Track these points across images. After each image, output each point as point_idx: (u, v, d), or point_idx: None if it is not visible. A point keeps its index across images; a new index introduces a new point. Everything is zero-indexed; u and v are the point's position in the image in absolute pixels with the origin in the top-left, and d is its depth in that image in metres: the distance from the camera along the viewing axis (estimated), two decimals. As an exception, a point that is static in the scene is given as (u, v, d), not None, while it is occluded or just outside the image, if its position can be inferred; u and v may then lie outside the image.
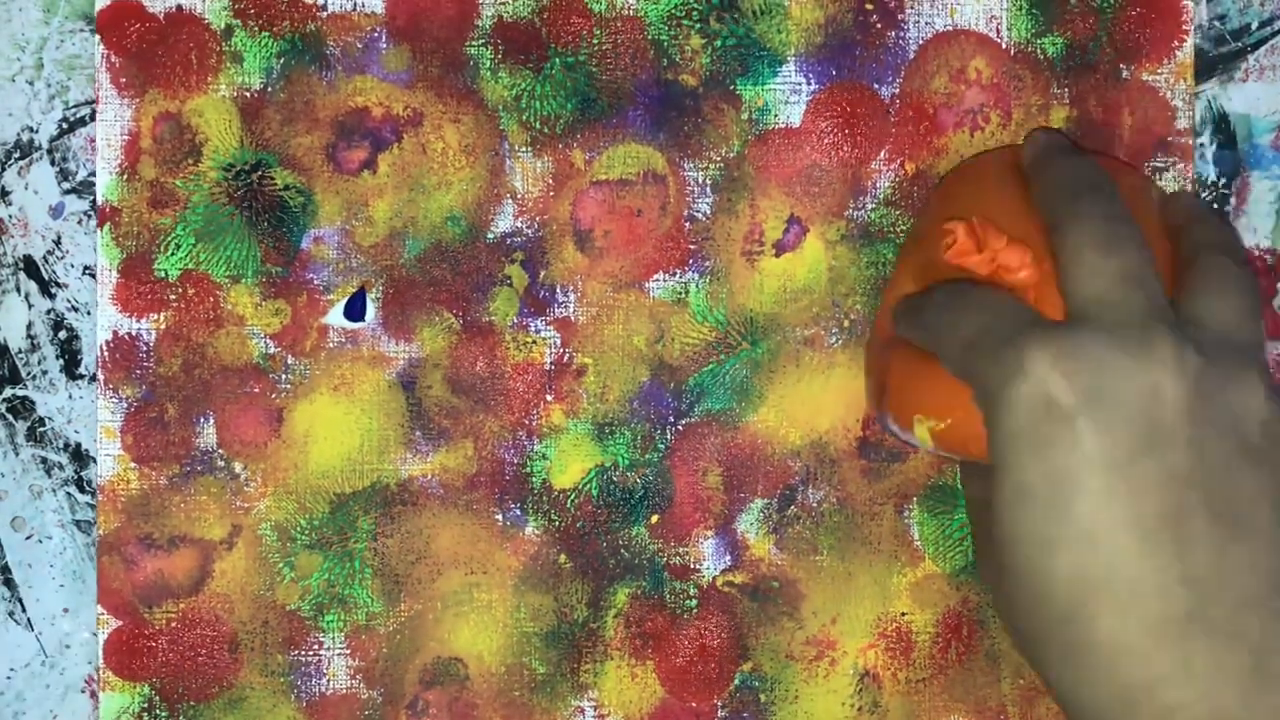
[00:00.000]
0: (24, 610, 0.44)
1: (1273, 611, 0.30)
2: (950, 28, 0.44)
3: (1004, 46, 0.44)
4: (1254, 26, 0.45)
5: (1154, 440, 0.31)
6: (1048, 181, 0.37)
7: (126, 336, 0.44)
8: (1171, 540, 0.30)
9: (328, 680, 0.44)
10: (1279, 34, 0.45)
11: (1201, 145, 0.45)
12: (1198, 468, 0.31)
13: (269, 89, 0.44)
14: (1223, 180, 0.45)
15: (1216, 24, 0.45)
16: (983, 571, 0.40)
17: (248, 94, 0.44)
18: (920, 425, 0.38)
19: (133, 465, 0.44)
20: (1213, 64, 0.45)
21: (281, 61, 0.44)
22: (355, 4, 0.44)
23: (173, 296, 0.44)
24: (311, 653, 0.44)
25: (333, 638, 0.44)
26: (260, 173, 0.44)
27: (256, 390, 0.44)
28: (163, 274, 0.44)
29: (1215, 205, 0.45)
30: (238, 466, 0.44)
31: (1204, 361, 0.31)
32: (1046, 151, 0.39)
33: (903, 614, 0.44)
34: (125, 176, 0.44)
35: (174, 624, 0.44)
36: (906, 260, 0.42)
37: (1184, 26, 0.44)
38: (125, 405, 0.44)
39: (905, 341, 0.39)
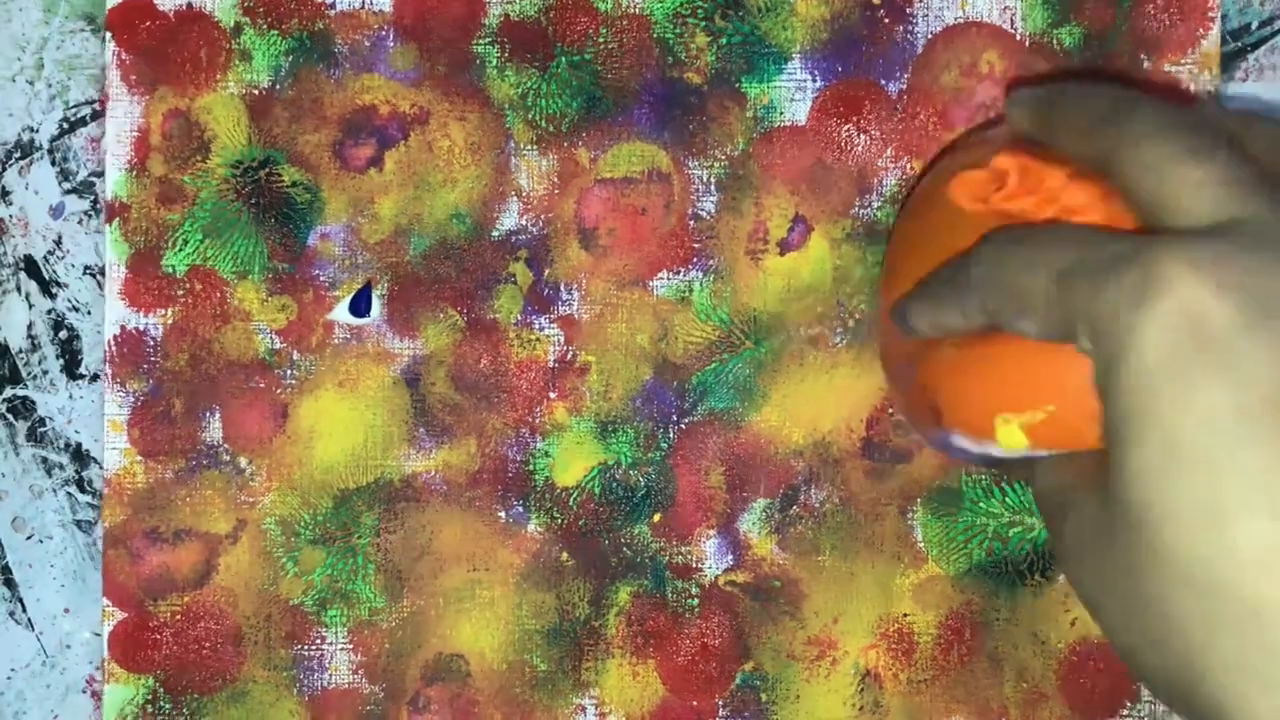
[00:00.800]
0: (24, 610, 0.45)
1: None
2: (961, 19, 0.44)
3: (1018, 38, 0.44)
4: (1254, 26, 0.44)
5: None
6: (1082, 117, 0.31)
7: (134, 331, 0.44)
8: None
9: (330, 675, 0.44)
10: (1279, 34, 0.44)
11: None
12: None
13: (277, 86, 0.44)
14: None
15: (1225, 22, 0.45)
16: (1075, 577, 0.30)
17: (256, 91, 0.44)
18: (1008, 426, 0.31)
19: (139, 459, 0.44)
20: (1221, 63, 0.44)
21: (290, 59, 0.44)
22: (363, 2, 0.44)
23: (180, 292, 0.44)
24: (314, 647, 0.44)
25: (335, 633, 0.44)
26: (268, 169, 0.44)
27: (262, 385, 0.44)
28: (170, 269, 0.44)
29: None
30: (243, 461, 0.44)
31: None
32: (1050, 96, 0.34)
33: (905, 615, 0.44)
34: (134, 173, 0.44)
35: (178, 617, 0.44)
36: (904, 258, 0.37)
37: (1209, 15, 0.44)
38: (132, 399, 0.44)
39: (936, 343, 0.34)
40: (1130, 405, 0.25)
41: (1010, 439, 0.32)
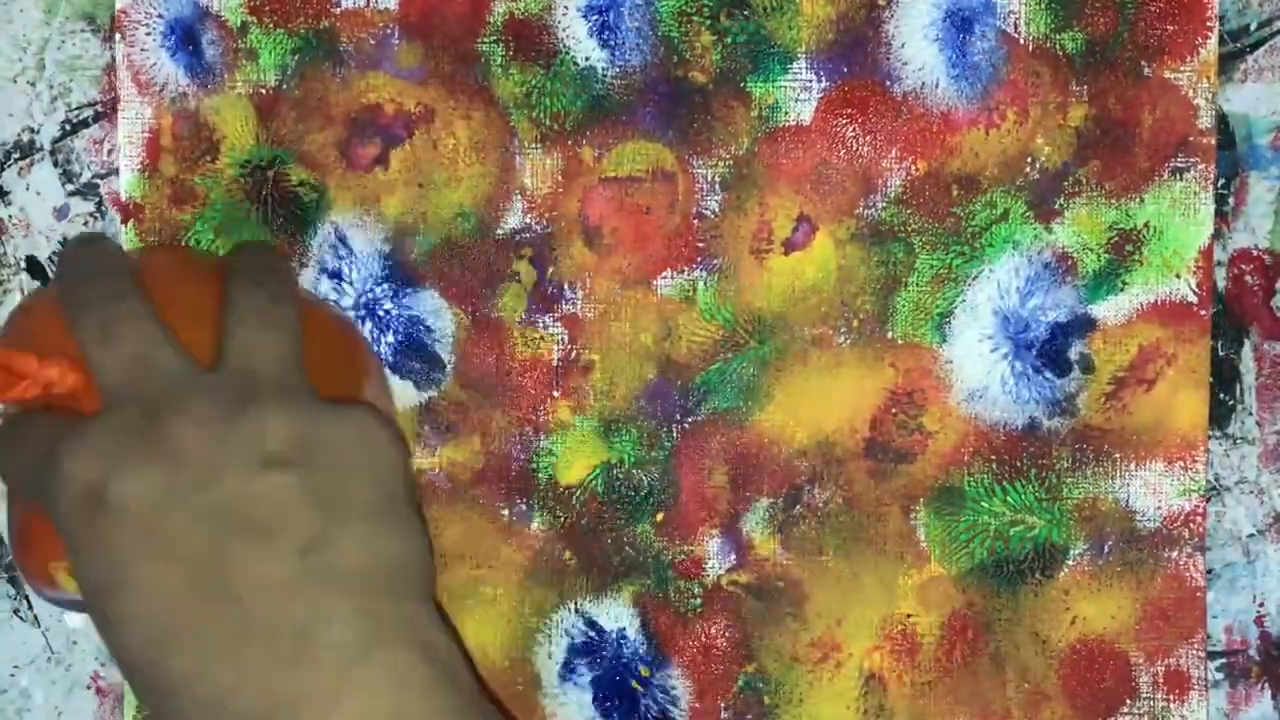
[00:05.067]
0: (30, 607, 0.45)
1: (294, 615, 0.33)
2: (966, 24, 0.44)
3: (1022, 42, 0.44)
4: (1253, 27, 0.44)
5: (178, 489, 0.33)
6: (64, 273, 0.39)
7: (143, 329, 0.44)
8: (213, 573, 0.33)
9: (336, 670, 0.45)
10: (1278, 34, 0.44)
11: (1207, 145, 0.44)
12: (228, 495, 0.34)
13: (284, 85, 0.44)
14: (1221, 181, 0.44)
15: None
16: None
17: (263, 91, 0.44)
18: (59, 572, 0.37)
19: (149, 455, 0.44)
20: (1221, 63, 0.44)
21: (296, 58, 0.44)
22: (368, 0, 0.44)
23: (188, 290, 0.44)
24: (321, 642, 0.45)
25: (341, 628, 0.44)
26: (275, 169, 0.44)
27: (269, 383, 0.44)
28: (179, 268, 0.44)
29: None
30: (250, 458, 0.44)
31: (221, 411, 0.34)
32: (69, 245, 0.43)
33: (908, 616, 0.44)
34: (147, 174, 0.44)
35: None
36: None
37: (1208, 23, 0.43)
38: (142, 396, 0.44)
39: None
40: (76, 571, 0.34)
41: (69, 583, 0.37)
